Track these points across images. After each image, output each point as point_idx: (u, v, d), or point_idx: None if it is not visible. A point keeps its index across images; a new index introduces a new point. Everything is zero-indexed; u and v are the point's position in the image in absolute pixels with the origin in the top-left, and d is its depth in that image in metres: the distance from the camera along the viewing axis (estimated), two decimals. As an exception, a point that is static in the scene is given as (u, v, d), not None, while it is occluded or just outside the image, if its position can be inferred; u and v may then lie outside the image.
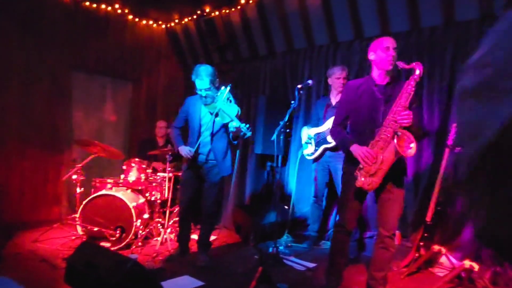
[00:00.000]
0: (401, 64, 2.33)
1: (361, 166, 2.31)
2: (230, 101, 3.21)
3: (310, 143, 3.86)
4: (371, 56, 2.47)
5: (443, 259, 3.16)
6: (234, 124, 3.04)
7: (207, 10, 5.09)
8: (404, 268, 3.14)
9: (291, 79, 4.73)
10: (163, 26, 5.78)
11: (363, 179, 2.29)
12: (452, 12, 3.53)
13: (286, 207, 4.39)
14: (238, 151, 4.56)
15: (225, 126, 3.27)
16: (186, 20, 5.47)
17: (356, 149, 2.33)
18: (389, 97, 2.36)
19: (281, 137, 3.57)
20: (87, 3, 4.91)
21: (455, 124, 3.22)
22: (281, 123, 3.47)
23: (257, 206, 4.38)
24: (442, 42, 3.62)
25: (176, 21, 5.59)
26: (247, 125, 3.04)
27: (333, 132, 2.61)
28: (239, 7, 4.81)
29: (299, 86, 3.44)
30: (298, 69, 4.69)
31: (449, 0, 3.48)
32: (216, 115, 3.16)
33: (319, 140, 3.76)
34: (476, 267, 2.76)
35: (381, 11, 3.88)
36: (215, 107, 3.14)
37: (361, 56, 4.14)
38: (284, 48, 4.84)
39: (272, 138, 3.55)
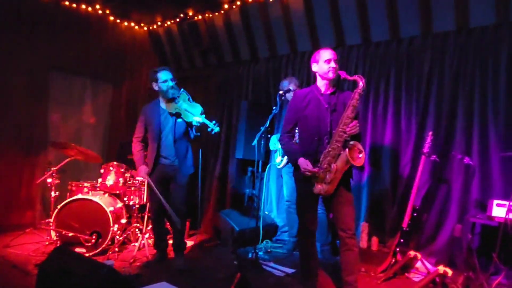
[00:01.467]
0: (343, 74, 2.52)
1: (316, 175, 2.45)
2: (191, 101, 3.27)
3: (279, 152, 3.89)
4: (314, 67, 2.64)
5: (418, 265, 3.23)
6: (199, 120, 3.10)
7: (190, 13, 5.07)
8: (381, 273, 3.19)
9: (274, 84, 4.75)
10: (146, 28, 5.72)
11: (319, 186, 2.46)
12: (430, 23, 3.64)
13: (266, 212, 4.40)
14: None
15: (188, 127, 3.29)
16: (169, 23, 5.43)
17: (302, 163, 2.50)
18: (334, 105, 2.55)
19: (262, 142, 3.58)
20: (67, 3, 4.81)
21: (430, 132, 3.31)
22: (262, 128, 3.48)
23: (237, 211, 4.37)
24: (420, 52, 3.73)
25: (159, 23, 5.54)
26: (214, 121, 3.11)
27: (281, 140, 2.73)
28: (222, 11, 4.81)
29: (280, 92, 3.47)
30: (281, 74, 4.72)
31: (427, 12, 3.59)
32: (178, 116, 3.20)
33: None
34: (449, 272, 2.83)
35: (363, 20, 3.96)
36: (176, 107, 3.19)
37: (342, 63, 4.21)
38: (267, 53, 4.87)
39: (253, 144, 3.56)
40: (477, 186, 3.32)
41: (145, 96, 5.85)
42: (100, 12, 5.13)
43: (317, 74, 2.63)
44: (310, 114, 2.58)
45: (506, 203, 2.78)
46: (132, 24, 5.59)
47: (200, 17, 5.05)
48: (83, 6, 4.95)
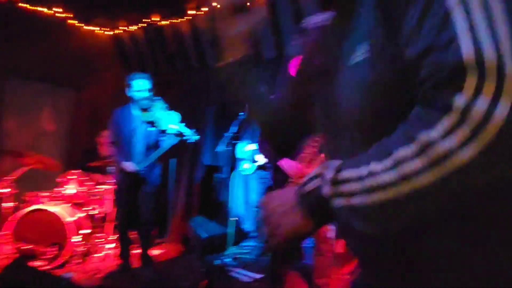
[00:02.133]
0: None
1: (290, 179, 2.49)
2: (167, 110, 3.22)
3: (247, 159, 3.92)
4: None
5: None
6: (175, 127, 3.06)
7: (156, 19, 5.01)
8: (347, 275, 3.25)
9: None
10: (109, 33, 5.59)
11: None
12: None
13: (233, 218, 4.38)
14: (176, 160, 4.49)
15: (160, 134, 3.23)
16: (133, 28, 5.34)
17: (283, 164, 2.51)
18: None
19: (229, 148, 3.59)
20: (26, 5, 4.61)
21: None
22: (229, 134, 3.49)
23: (205, 218, 4.33)
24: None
25: (124, 28, 5.43)
26: (194, 130, 3.11)
27: (260, 145, 2.72)
28: (188, 17, 4.79)
29: (247, 98, 3.49)
30: (247, 80, 4.75)
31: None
32: (152, 124, 3.12)
33: (253, 156, 3.84)
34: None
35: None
36: (149, 116, 3.12)
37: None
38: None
39: (219, 149, 3.55)
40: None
41: (110, 102, 5.69)
42: (61, 16, 4.96)
43: None
44: None
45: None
46: (96, 28, 5.44)
47: (166, 22, 5.00)
48: (44, 10, 4.77)
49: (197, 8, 4.63)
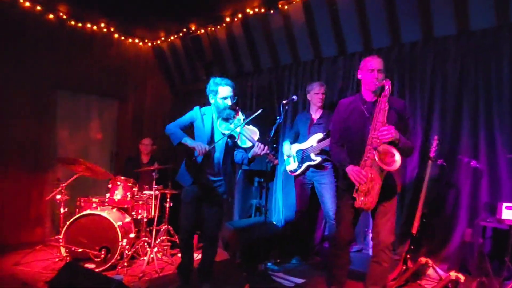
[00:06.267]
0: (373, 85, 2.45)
1: (357, 187, 2.35)
2: (245, 121, 2.80)
3: (293, 159, 3.88)
4: (359, 75, 2.57)
5: (430, 271, 3.18)
6: (265, 151, 2.69)
7: (193, 27, 5.15)
8: (392, 281, 3.14)
9: (277, 94, 4.78)
10: (149, 44, 5.82)
11: (361, 198, 2.33)
12: (430, 28, 3.65)
13: (274, 222, 4.38)
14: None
15: (235, 148, 2.95)
16: (172, 38, 5.52)
17: (349, 170, 2.40)
18: None
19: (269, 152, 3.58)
20: (72, 22, 4.92)
21: (436, 136, 3.29)
22: (268, 139, 3.49)
23: (245, 222, 4.36)
24: (422, 57, 3.73)
25: (162, 39, 5.63)
26: (273, 151, 2.89)
27: (331, 149, 2.68)
28: (224, 24, 4.89)
29: (284, 101, 3.48)
30: (284, 84, 4.75)
31: (428, 17, 3.61)
32: (232, 137, 2.80)
33: (303, 156, 3.79)
34: (462, 278, 2.78)
35: (363, 28, 3.99)
36: (229, 128, 2.76)
37: (344, 71, 4.23)
38: (270, 64, 4.91)
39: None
40: (486, 189, 3.28)
41: (150, 110, 5.94)
42: (104, 30, 5.23)
43: (361, 83, 2.56)
44: (353, 124, 2.51)
45: (516, 205, 2.74)
46: (136, 40, 5.69)
47: (202, 31, 5.13)
48: (88, 25, 5.06)
49: (233, 16, 4.71)
